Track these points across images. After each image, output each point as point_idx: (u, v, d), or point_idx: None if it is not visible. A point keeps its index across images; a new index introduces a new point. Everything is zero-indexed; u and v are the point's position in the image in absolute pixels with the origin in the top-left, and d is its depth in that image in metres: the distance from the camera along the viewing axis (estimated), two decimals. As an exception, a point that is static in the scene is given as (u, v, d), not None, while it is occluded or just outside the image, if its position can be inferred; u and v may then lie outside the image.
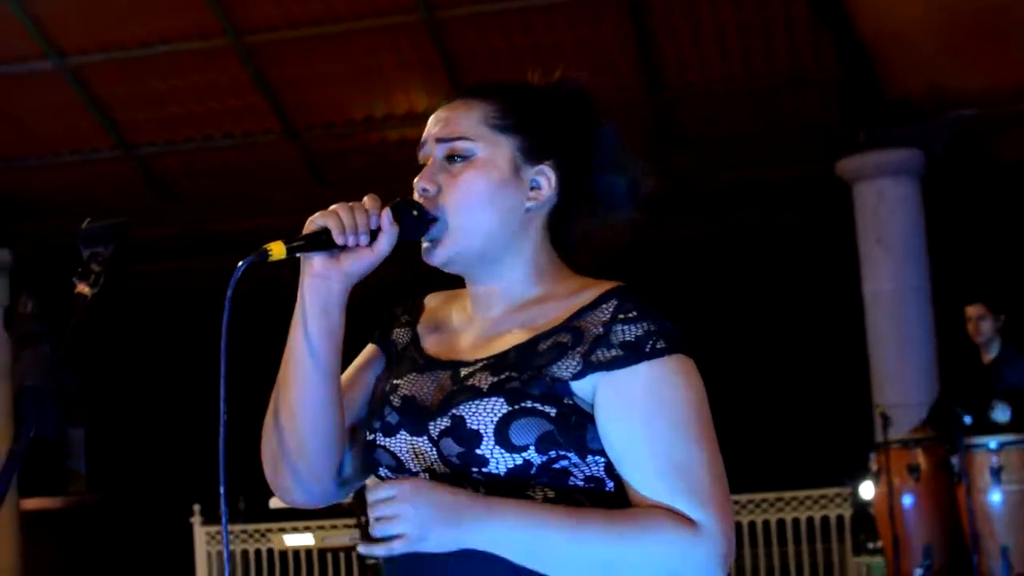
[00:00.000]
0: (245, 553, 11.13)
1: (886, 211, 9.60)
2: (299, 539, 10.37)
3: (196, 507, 11.21)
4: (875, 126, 9.46)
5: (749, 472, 12.61)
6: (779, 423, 14.35)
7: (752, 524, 10.72)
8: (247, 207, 10.68)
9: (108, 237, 2.24)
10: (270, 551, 10.93)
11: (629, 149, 2.28)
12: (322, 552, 10.55)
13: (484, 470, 2.04)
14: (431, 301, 2.35)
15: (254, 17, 9.35)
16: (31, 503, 11.85)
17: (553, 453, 2.03)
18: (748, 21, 9.16)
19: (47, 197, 10.86)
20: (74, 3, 9.35)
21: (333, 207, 2.11)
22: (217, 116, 10.20)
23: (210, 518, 11.14)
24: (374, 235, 2.13)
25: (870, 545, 9.38)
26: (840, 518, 10.50)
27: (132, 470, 14.85)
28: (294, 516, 10.46)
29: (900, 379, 9.71)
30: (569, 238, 2.26)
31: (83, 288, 2.23)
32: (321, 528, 10.12)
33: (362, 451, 2.23)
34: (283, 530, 10.60)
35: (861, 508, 9.72)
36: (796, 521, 10.66)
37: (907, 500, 8.21)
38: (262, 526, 10.88)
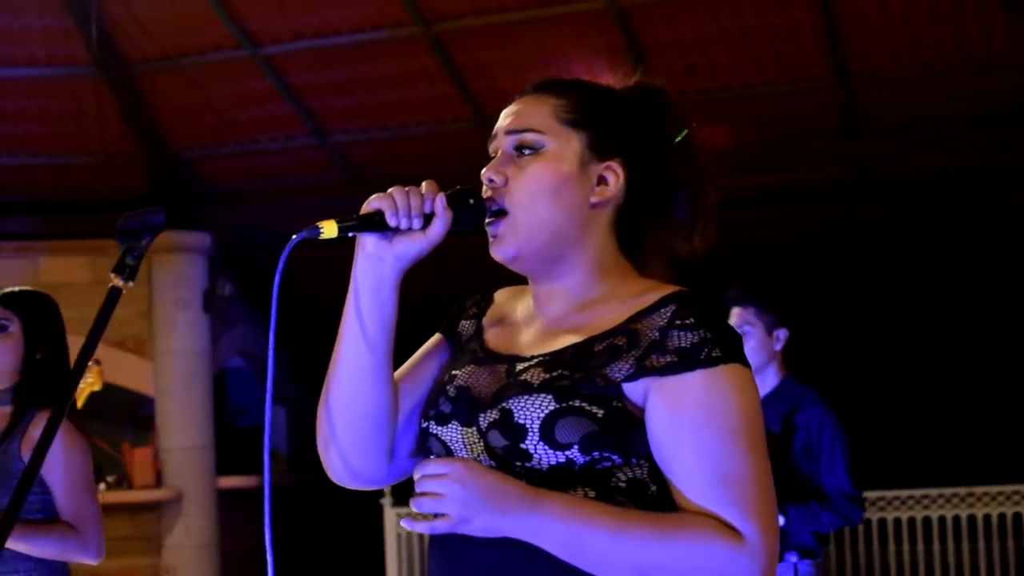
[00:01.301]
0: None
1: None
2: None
3: (387, 488, 11.39)
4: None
5: (941, 466, 12.39)
6: (972, 417, 14.05)
7: (942, 519, 10.53)
8: (439, 194, 10.79)
9: (144, 231, 2.30)
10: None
11: (703, 162, 2.26)
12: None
13: (527, 465, 2.05)
14: (500, 295, 2.37)
15: (442, 5, 9.45)
16: (229, 481, 12.11)
17: (596, 454, 2.02)
18: (938, 5, 8.96)
19: (245, 183, 11.13)
20: (268, -6, 9.60)
21: (391, 190, 2.14)
22: (408, 104, 10.33)
23: (399, 500, 11.29)
24: (429, 220, 2.14)
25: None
26: (1034, 515, 10.28)
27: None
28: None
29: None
30: (638, 242, 2.24)
31: (118, 281, 2.29)
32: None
33: (418, 438, 2.25)
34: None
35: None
36: (987, 517, 10.44)
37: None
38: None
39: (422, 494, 2.02)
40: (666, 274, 2.24)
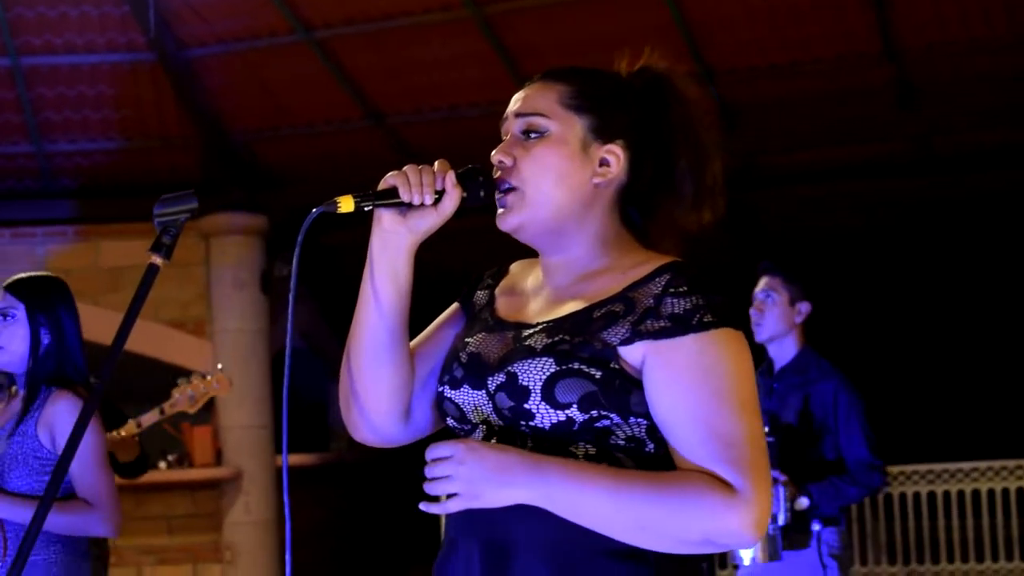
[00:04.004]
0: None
1: None
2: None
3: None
4: None
5: (996, 438, 12.36)
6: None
7: (991, 492, 10.54)
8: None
9: (179, 211, 2.44)
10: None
11: (705, 140, 2.39)
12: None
13: (531, 424, 2.19)
14: (516, 267, 2.53)
15: (491, -14, 9.53)
16: (290, 459, 12.27)
17: (595, 412, 2.16)
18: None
19: (302, 165, 11.22)
20: (319, -22, 9.70)
21: (405, 168, 2.31)
22: (460, 86, 10.40)
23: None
24: (441, 197, 2.30)
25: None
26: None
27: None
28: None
29: None
30: (645, 217, 2.39)
31: (156, 259, 2.43)
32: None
33: (434, 401, 2.41)
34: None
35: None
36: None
37: None
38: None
39: (432, 478, 2.16)
40: (676, 247, 2.37)
